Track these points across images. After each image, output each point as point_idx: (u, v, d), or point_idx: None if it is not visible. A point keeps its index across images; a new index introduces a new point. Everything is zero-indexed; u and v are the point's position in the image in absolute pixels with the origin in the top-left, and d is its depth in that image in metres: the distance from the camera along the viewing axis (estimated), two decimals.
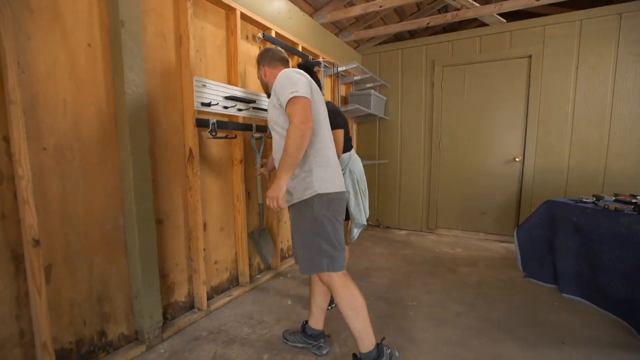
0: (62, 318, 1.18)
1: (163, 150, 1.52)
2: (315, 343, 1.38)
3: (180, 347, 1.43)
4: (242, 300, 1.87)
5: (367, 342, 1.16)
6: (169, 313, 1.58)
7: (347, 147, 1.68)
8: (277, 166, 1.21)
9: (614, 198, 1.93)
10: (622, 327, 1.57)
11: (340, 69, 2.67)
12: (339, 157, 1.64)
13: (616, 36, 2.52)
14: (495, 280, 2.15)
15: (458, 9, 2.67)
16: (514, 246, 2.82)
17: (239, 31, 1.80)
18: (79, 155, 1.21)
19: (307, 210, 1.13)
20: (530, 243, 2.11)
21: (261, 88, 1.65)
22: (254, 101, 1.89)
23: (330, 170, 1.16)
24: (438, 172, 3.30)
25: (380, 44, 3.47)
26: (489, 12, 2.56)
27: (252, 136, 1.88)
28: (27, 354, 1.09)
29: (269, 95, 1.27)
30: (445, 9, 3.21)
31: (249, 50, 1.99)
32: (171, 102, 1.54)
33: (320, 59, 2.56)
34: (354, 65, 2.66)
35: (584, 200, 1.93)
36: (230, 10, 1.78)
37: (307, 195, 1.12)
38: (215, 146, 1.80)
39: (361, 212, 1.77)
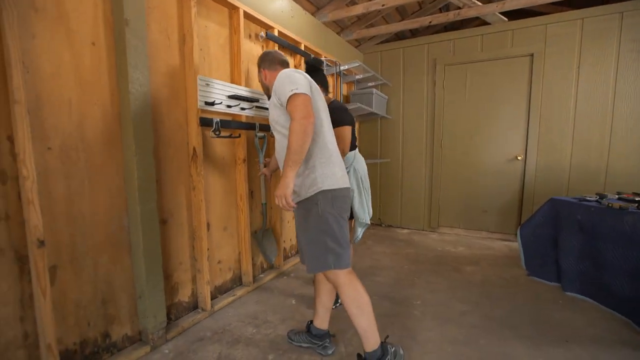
0: (67, 319, 1.18)
1: (167, 150, 1.51)
2: (321, 343, 1.37)
3: (184, 347, 1.43)
4: (245, 300, 1.86)
5: (372, 340, 1.16)
6: (173, 313, 1.58)
7: (352, 146, 1.67)
8: (280, 166, 1.21)
9: (617, 196, 1.93)
10: (626, 325, 1.57)
11: (342, 67, 2.67)
12: (345, 154, 1.63)
13: (617, 35, 2.52)
14: (499, 278, 2.16)
15: (460, 8, 2.67)
16: (516, 244, 2.83)
17: (242, 30, 1.79)
18: (84, 156, 1.20)
19: (312, 207, 1.13)
20: (533, 241, 2.11)
21: None
22: (257, 100, 1.88)
23: (334, 167, 1.16)
24: (440, 171, 3.30)
25: (381, 42, 3.46)
26: (491, 10, 2.55)
27: (256, 135, 1.87)
28: (32, 356, 1.08)
29: (269, 98, 1.27)
30: (447, 7, 3.21)
31: (252, 49, 1.98)
32: (174, 101, 1.53)
33: (323, 58, 2.55)
34: (356, 64, 2.66)
35: (588, 198, 1.93)
36: (233, 8, 1.77)
37: (312, 192, 1.12)
38: (219, 145, 1.79)
39: (365, 211, 1.77)
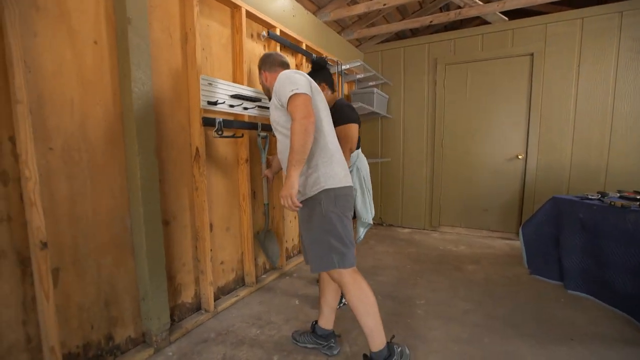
0: (69, 322, 1.16)
1: (169, 150, 1.49)
2: (326, 343, 1.37)
3: (188, 349, 1.41)
4: (248, 301, 1.85)
5: (377, 340, 1.16)
6: (176, 315, 1.56)
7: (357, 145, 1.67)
8: (283, 167, 1.20)
9: (618, 195, 1.95)
10: (629, 323, 1.58)
11: (344, 67, 2.66)
12: (353, 151, 1.63)
13: (617, 34, 2.53)
14: (501, 277, 2.16)
15: (461, 7, 2.67)
16: (517, 243, 2.84)
17: (244, 29, 1.78)
18: (86, 156, 1.18)
19: (315, 206, 1.13)
20: (535, 240, 2.12)
21: None
22: (259, 100, 1.87)
23: (336, 166, 1.16)
24: (440, 170, 3.30)
25: (382, 42, 3.46)
26: (491, 10, 2.56)
27: (258, 135, 1.86)
28: (34, 359, 1.07)
29: (270, 100, 1.27)
30: (447, 7, 3.21)
31: (254, 49, 1.97)
32: (177, 101, 1.52)
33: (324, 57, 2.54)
34: (358, 64, 2.65)
35: (590, 197, 1.94)
36: (235, 8, 1.75)
37: (315, 191, 1.12)
38: (221, 145, 1.78)
39: (367, 210, 1.77)
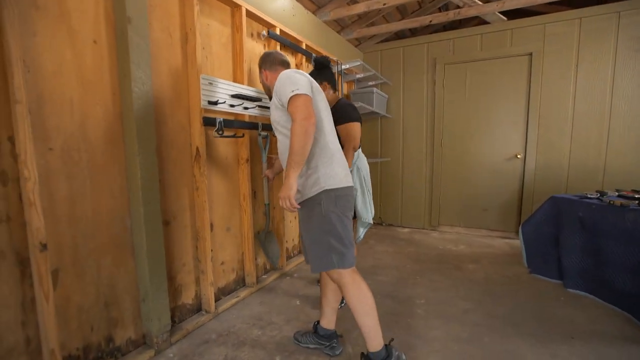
0: (69, 323, 1.15)
1: (169, 150, 1.48)
2: (328, 344, 1.37)
3: (189, 350, 1.41)
4: (249, 302, 1.85)
5: (375, 341, 1.16)
6: (177, 316, 1.55)
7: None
8: (284, 166, 1.20)
9: (616, 194, 1.96)
10: (628, 321, 1.59)
11: (343, 66, 2.66)
12: (356, 150, 1.63)
13: (615, 34, 2.55)
14: (501, 276, 2.17)
15: (460, 7, 2.68)
16: (516, 242, 2.86)
17: (244, 28, 1.78)
18: (86, 156, 1.17)
19: (315, 207, 1.13)
20: (535, 239, 2.13)
21: None
22: (260, 99, 1.86)
23: (336, 166, 1.15)
24: (440, 170, 3.31)
25: (381, 41, 3.46)
26: (491, 10, 2.56)
27: (259, 134, 1.86)
28: None
29: (271, 99, 1.27)
30: (447, 7, 3.22)
31: (254, 48, 1.97)
32: (177, 101, 1.51)
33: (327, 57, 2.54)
34: (358, 63, 2.65)
35: (589, 196, 1.95)
36: (235, 7, 1.75)
37: (315, 191, 1.12)
38: (222, 145, 1.77)
39: (368, 210, 1.77)
